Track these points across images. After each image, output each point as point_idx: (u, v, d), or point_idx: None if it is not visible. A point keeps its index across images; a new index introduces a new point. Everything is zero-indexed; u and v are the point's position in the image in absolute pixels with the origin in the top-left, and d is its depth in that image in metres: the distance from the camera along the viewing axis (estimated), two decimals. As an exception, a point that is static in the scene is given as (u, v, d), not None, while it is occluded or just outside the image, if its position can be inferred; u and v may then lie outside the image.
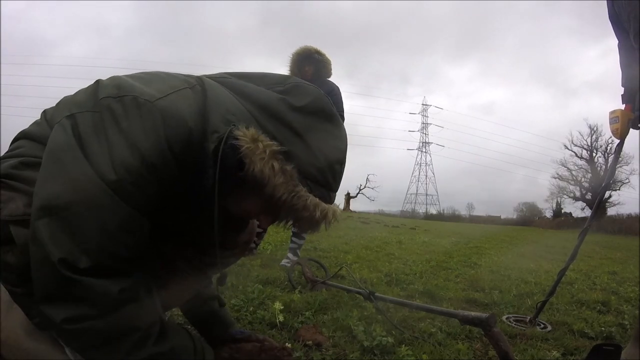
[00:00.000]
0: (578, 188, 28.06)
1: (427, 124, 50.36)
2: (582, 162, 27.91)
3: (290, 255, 2.64)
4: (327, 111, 0.75)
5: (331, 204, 0.74)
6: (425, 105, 50.70)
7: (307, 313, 1.50)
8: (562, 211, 29.85)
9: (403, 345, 1.25)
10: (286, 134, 0.69)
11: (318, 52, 2.56)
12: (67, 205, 0.61)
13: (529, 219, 32.62)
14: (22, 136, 0.77)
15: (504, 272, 2.99)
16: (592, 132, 27.28)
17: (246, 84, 0.75)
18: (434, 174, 49.94)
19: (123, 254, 0.65)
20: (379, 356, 1.20)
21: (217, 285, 1.01)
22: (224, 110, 0.69)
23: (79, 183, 0.62)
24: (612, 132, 1.50)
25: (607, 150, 26.40)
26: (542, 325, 1.63)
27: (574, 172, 28.10)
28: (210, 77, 0.78)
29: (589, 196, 26.31)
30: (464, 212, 43.85)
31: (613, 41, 1.46)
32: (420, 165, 50.30)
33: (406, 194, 49.17)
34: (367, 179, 33.13)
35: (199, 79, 0.74)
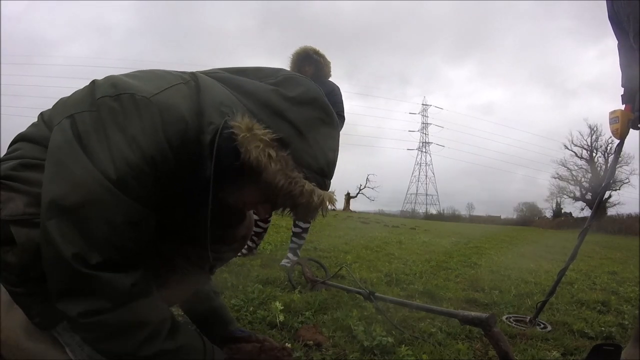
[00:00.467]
0: (578, 188, 28.07)
1: (427, 124, 50.34)
2: (582, 162, 27.93)
3: (290, 255, 2.64)
4: (319, 101, 0.76)
5: (326, 191, 0.76)
6: (425, 105, 50.70)
7: (307, 313, 1.50)
8: (562, 211, 29.86)
9: (403, 345, 1.25)
10: (280, 124, 0.71)
11: (318, 53, 2.56)
12: (73, 205, 0.63)
13: (529, 219, 32.62)
14: (20, 138, 0.78)
15: (504, 272, 2.98)
16: (592, 132, 27.30)
17: (239, 78, 0.77)
18: (434, 174, 49.95)
19: (131, 247, 0.67)
20: (379, 356, 1.20)
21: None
22: (218, 103, 0.71)
23: (83, 182, 0.63)
24: (612, 132, 1.50)
25: (607, 150, 26.41)
26: (542, 325, 1.63)
27: (574, 172, 28.12)
28: (204, 72, 0.79)
29: (589, 196, 26.31)
30: (464, 212, 43.88)
31: (611, 42, 1.46)
32: (420, 165, 50.31)
33: (406, 194, 49.19)
34: (367, 179, 33.22)
35: (193, 75, 0.75)
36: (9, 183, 0.69)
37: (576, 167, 28.06)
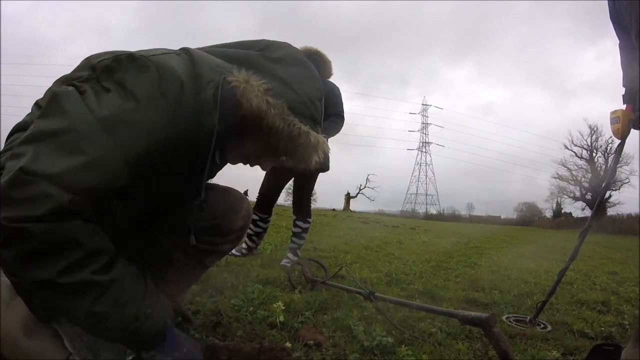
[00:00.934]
0: (578, 188, 28.11)
1: (427, 124, 50.45)
2: (582, 162, 27.96)
3: (290, 255, 2.64)
4: (300, 59, 0.85)
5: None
6: (425, 105, 50.81)
7: (307, 313, 1.50)
8: (562, 211, 29.90)
9: (403, 345, 1.24)
10: (271, 80, 0.78)
11: (318, 53, 2.56)
12: (54, 132, 0.63)
13: (529, 219, 32.68)
14: (16, 129, 0.79)
15: (504, 272, 2.98)
16: (592, 132, 27.34)
17: (226, 49, 0.85)
18: (434, 174, 50.03)
19: (90, 189, 0.63)
20: (379, 356, 1.20)
21: (196, 214, 0.82)
22: (214, 66, 0.77)
23: (70, 114, 0.64)
24: (613, 132, 1.50)
25: (607, 150, 26.46)
26: (542, 325, 1.63)
27: (574, 172, 28.16)
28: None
29: (589, 196, 26.34)
30: (464, 212, 44.01)
31: (609, 43, 1.47)
32: (420, 165, 50.40)
33: (406, 194, 49.26)
34: (367, 179, 33.32)
35: (183, 48, 0.80)
36: None
37: (576, 167, 28.14)
